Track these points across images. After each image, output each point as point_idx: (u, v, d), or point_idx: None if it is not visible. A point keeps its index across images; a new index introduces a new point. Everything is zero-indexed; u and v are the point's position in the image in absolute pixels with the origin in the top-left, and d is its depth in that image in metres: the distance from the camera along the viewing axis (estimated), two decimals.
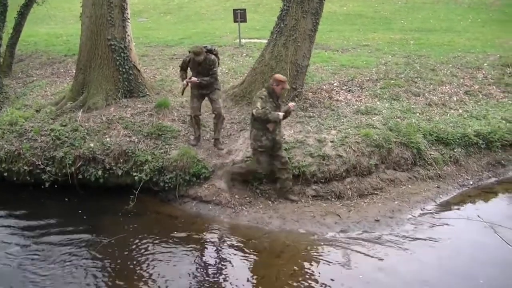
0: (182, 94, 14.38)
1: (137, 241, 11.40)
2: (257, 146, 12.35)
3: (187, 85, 13.79)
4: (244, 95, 16.40)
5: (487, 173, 14.84)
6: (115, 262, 10.65)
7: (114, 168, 13.53)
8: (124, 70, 15.87)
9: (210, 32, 28.68)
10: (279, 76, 12.34)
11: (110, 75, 15.79)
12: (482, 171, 14.86)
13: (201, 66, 13.60)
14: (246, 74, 17.36)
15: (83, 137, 14.05)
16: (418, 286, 9.82)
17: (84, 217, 12.59)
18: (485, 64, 20.96)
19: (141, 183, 13.18)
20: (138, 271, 10.33)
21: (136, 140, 13.95)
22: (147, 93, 16.44)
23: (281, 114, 12.06)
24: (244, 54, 22.53)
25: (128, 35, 16.09)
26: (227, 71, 19.94)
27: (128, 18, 16.10)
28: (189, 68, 14.08)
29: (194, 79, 13.67)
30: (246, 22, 24.77)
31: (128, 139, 14.00)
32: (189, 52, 13.76)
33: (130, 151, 13.63)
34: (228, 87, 17.52)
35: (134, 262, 10.64)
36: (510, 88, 19.19)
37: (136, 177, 13.27)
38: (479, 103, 17.82)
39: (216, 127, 14.04)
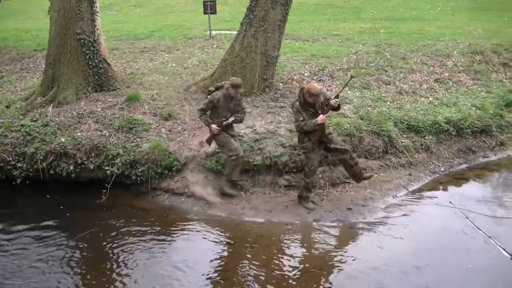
0: (210, 144, 13.20)
1: (109, 235, 11.35)
2: (300, 146, 12.33)
3: (221, 129, 12.51)
4: None
5: (458, 160, 15.02)
6: (88, 257, 10.60)
7: (85, 162, 13.43)
8: (94, 64, 15.80)
9: (180, 24, 28.60)
10: (312, 88, 11.71)
11: (79, 69, 15.72)
12: (453, 158, 15.04)
13: (232, 102, 12.52)
14: (216, 66, 17.31)
15: (54, 132, 13.96)
16: (391, 273, 9.90)
17: (56, 212, 12.48)
18: (454, 52, 21.12)
19: (113, 177, 13.11)
20: (111, 265, 10.28)
21: (107, 134, 13.88)
22: (118, 87, 16.40)
23: (320, 118, 11.63)
24: (215, 46, 22.50)
25: (98, 29, 16.01)
26: (197, 63, 19.89)
27: (97, 12, 16.02)
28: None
29: (230, 120, 12.46)
30: (216, 13, 24.72)
31: (99, 133, 13.94)
32: (218, 88, 12.49)
33: (101, 145, 13.55)
34: (199, 79, 17.45)
35: (107, 256, 10.58)
36: (480, 75, 19.42)
37: (108, 171, 13.19)
38: (449, 91, 17.99)
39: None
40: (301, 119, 11.78)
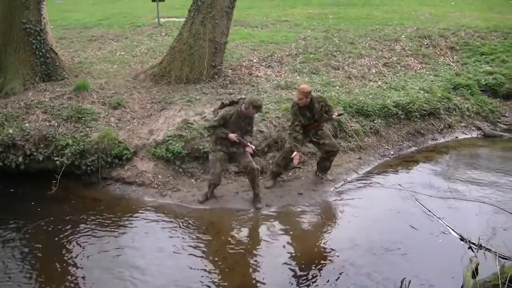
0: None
1: (60, 226, 11.21)
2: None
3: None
4: (164, 74, 16.41)
5: (407, 143, 15.29)
6: (37, 249, 10.41)
7: (34, 153, 13.22)
8: (41, 53, 15.59)
9: (129, 12, 28.52)
10: (298, 89, 12.13)
11: (26, 59, 15.48)
12: (402, 141, 15.30)
13: (245, 122, 11.77)
14: (165, 54, 17.29)
15: (1, 124, 13.68)
16: (342, 256, 9.99)
17: (5, 204, 12.27)
18: (402, 36, 21.44)
19: (63, 168, 12.95)
20: (61, 257, 10.15)
21: (56, 124, 13.70)
22: (66, 76, 16.24)
23: (295, 158, 12.12)
24: (163, 34, 22.50)
25: (44, 18, 15.76)
26: (146, 51, 19.89)
27: (43, 0, 15.77)
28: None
29: (249, 149, 11.69)
30: (164, 1, 24.69)
31: (47, 123, 13.74)
32: (232, 103, 11.77)
33: (50, 135, 13.36)
34: (148, 67, 17.42)
35: (57, 248, 10.44)
36: (427, 59, 19.79)
37: (57, 162, 13.02)
38: (397, 75, 18.30)
39: (253, 182, 11.99)
40: (297, 122, 12.11)
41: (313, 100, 12.05)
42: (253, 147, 11.82)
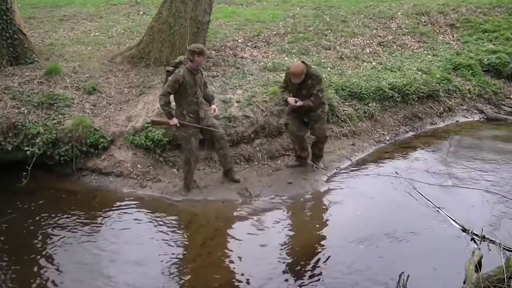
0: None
1: (31, 221, 11.16)
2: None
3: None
4: (142, 56, 16.34)
5: (404, 128, 15.30)
6: (6, 246, 10.35)
7: (3, 143, 13.10)
8: (8, 35, 15.39)
9: None
10: (291, 68, 12.06)
11: None
12: (398, 126, 15.32)
13: (197, 76, 11.61)
14: (143, 34, 17.21)
15: None
16: (335, 247, 10.02)
17: None
18: (398, 13, 21.44)
19: (34, 158, 12.84)
20: (33, 255, 10.07)
21: (26, 111, 13.58)
22: (36, 59, 16.05)
23: (289, 100, 12.15)
24: (141, 12, 22.42)
25: None
26: (123, 31, 19.80)
27: None
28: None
29: (213, 109, 12.07)
30: None
31: (16, 110, 13.61)
32: (177, 65, 11.54)
33: (19, 123, 13.24)
34: (125, 48, 17.38)
35: (28, 245, 10.40)
36: (425, 37, 19.78)
37: (28, 152, 12.88)
38: (393, 55, 18.30)
39: (225, 156, 12.29)
40: (284, 85, 12.50)
41: (308, 75, 11.97)
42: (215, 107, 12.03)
